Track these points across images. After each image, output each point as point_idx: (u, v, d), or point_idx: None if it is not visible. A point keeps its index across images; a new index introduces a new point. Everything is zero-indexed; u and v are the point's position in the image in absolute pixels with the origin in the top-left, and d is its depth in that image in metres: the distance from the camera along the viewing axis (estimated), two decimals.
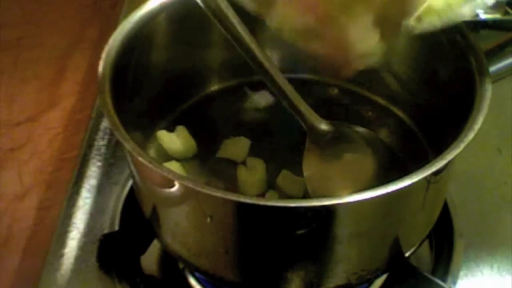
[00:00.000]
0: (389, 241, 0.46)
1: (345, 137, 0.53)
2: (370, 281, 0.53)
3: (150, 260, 0.57)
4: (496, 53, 0.52)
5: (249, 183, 0.54)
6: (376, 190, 0.40)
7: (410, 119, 0.60)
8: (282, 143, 0.58)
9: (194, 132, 0.57)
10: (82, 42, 0.82)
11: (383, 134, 0.60)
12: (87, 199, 0.61)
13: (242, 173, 0.54)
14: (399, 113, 0.60)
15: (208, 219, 0.43)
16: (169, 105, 0.60)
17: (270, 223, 0.42)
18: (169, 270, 0.56)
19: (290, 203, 0.40)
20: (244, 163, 0.56)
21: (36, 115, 0.74)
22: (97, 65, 0.48)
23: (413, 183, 0.41)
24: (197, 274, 0.55)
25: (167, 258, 0.57)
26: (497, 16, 0.74)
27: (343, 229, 0.43)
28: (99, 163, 0.64)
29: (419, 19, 0.46)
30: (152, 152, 0.57)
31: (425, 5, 0.46)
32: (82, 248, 0.57)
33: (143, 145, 0.56)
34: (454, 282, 0.54)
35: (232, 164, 0.56)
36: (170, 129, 0.57)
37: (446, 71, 0.53)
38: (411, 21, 0.46)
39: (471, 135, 0.43)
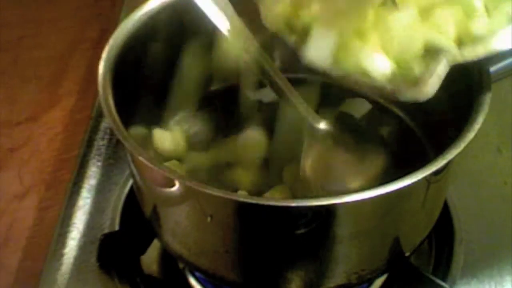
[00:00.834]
0: (389, 241, 0.46)
1: (346, 136, 0.53)
2: (370, 281, 0.53)
3: (150, 260, 0.57)
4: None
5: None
6: (376, 190, 0.40)
7: (410, 119, 0.60)
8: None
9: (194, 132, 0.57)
10: (82, 42, 0.82)
11: (383, 134, 0.60)
12: (87, 199, 0.61)
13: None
14: (399, 113, 0.60)
15: (209, 219, 0.43)
16: (170, 105, 0.60)
17: (270, 222, 0.42)
18: (169, 270, 0.56)
19: (290, 203, 0.40)
20: None
21: (36, 115, 0.74)
22: (97, 65, 0.48)
23: (413, 183, 0.41)
24: (197, 273, 0.55)
25: (167, 258, 0.57)
26: None
27: (343, 229, 0.43)
28: (99, 163, 0.64)
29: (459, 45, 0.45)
30: (152, 152, 0.57)
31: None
32: (82, 248, 0.57)
33: (143, 145, 0.56)
34: (454, 282, 0.54)
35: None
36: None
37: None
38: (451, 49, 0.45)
39: (471, 135, 0.43)
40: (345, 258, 0.45)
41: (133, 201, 0.56)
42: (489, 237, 0.57)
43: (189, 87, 0.59)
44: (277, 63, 0.62)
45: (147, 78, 0.55)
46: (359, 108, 0.60)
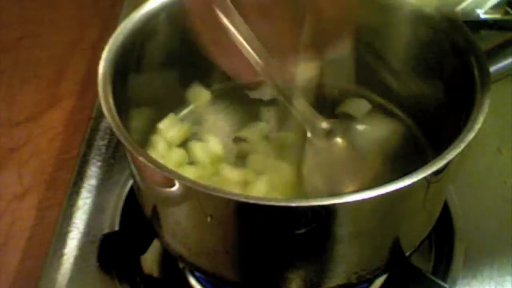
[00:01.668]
0: (389, 241, 0.46)
1: (346, 135, 0.53)
2: (370, 281, 0.53)
3: (150, 260, 0.57)
4: (496, 53, 0.52)
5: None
6: (376, 190, 0.40)
7: (410, 119, 0.60)
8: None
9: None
10: (82, 42, 0.82)
11: (383, 133, 0.60)
12: (87, 199, 0.61)
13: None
14: (399, 113, 0.60)
15: (209, 219, 0.43)
16: (169, 105, 0.60)
17: (271, 222, 0.42)
18: (169, 270, 0.56)
19: (290, 203, 0.40)
20: None
21: (36, 115, 0.74)
22: (97, 65, 0.48)
23: (413, 183, 0.41)
24: (197, 273, 0.55)
25: (167, 258, 0.57)
26: (497, 16, 0.74)
27: (343, 229, 0.43)
28: (99, 163, 0.64)
29: None
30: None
31: None
32: (82, 248, 0.57)
33: (143, 145, 0.56)
34: (454, 282, 0.54)
35: None
36: None
37: (447, 71, 0.53)
38: None
39: (471, 135, 0.43)
40: (345, 258, 0.45)
41: (133, 201, 0.56)
42: (489, 237, 0.57)
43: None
44: None
45: (147, 78, 0.55)
46: (359, 108, 0.60)
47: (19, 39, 0.83)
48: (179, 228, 0.47)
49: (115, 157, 0.65)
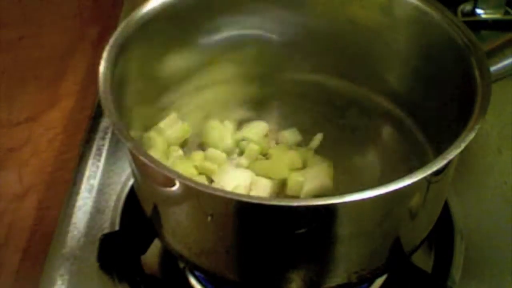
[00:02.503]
0: (389, 240, 0.46)
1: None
2: (371, 281, 0.53)
3: (150, 259, 0.57)
4: (496, 53, 0.52)
5: None
6: (376, 190, 0.40)
7: (410, 119, 0.60)
8: None
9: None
10: (82, 42, 0.82)
11: (383, 134, 0.60)
12: (87, 199, 0.61)
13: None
14: (399, 113, 0.60)
15: (209, 218, 0.43)
16: (169, 105, 0.60)
17: (271, 222, 0.42)
18: (170, 270, 0.56)
19: (290, 202, 0.40)
20: None
21: (36, 115, 0.74)
22: (97, 65, 0.48)
23: (413, 183, 0.41)
24: (197, 273, 0.55)
25: (168, 257, 0.57)
26: (497, 16, 0.74)
27: (343, 229, 0.43)
28: (99, 163, 0.64)
29: None
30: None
31: None
32: (82, 248, 0.57)
33: (143, 144, 0.56)
34: (454, 282, 0.54)
35: None
36: None
37: (447, 71, 0.53)
38: None
39: (471, 135, 0.43)
40: (346, 258, 0.45)
41: (133, 201, 0.56)
42: (489, 237, 0.57)
43: None
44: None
45: (147, 78, 0.55)
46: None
47: (19, 39, 0.83)
48: (179, 228, 0.47)
49: (115, 157, 0.65)
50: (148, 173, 0.46)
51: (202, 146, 0.61)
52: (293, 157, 0.59)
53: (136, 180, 0.51)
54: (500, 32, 0.72)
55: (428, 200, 0.46)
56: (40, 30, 0.84)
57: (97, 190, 0.62)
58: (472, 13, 0.74)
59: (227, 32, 0.59)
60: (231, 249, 0.46)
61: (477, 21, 0.73)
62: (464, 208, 0.58)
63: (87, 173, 0.63)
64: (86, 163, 0.64)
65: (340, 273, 0.46)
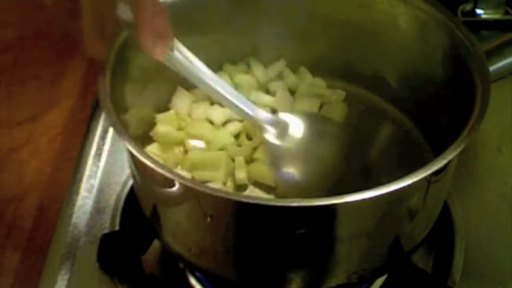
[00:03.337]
0: (389, 240, 0.46)
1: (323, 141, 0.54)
2: (371, 281, 0.53)
3: (150, 259, 0.57)
4: (496, 53, 0.52)
5: None
6: (376, 190, 0.40)
7: (410, 119, 0.60)
8: None
9: None
10: (82, 42, 0.82)
11: (383, 133, 0.60)
12: (87, 199, 0.61)
13: None
14: (399, 113, 0.60)
15: (209, 219, 0.43)
16: (169, 104, 0.60)
17: (271, 222, 0.42)
18: (170, 270, 0.56)
19: (290, 202, 0.40)
20: None
21: (36, 115, 0.74)
22: (97, 65, 0.48)
23: (413, 183, 0.41)
24: (197, 273, 0.55)
25: (168, 258, 0.57)
26: (497, 16, 0.74)
27: (343, 229, 0.43)
28: (99, 163, 0.64)
29: None
30: None
31: None
32: (82, 248, 0.57)
33: (143, 144, 0.56)
34: (454, 282, 0.54)
35: None
36: None
37: (447, 71, 0.53)
38: None
39: (471, 135, 0.43)
40: (346, 258, 0.45)
41: (133, 201, 0.56)
42: (489, 237, 0.57)
43: None
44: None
45: (147, 77, 0.55)
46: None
47: (19, 39, 0.83)
48: (179, 228, 0.47)
49: (115, 157, 0.65)
50: (147, 174, 0.46)
51: None
52: None
53: (135, 181, 0.51)
54: (500, 32, 0.72)
55: (428, 200, 0.46)
56: (40, 30, 0.84)
57: (97, 190, 0.62)
58: (472, 13, 0.74)
59: (225, 33, 0.59)
60: (230, 250, 0.46)
61: (477, 21, 0.73)
62: (464, 208, 0.58)
63: (87, 173, 0.63)
64: (86, 163, 0.64)
65: (340, 273, 0.46)
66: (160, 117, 0.58)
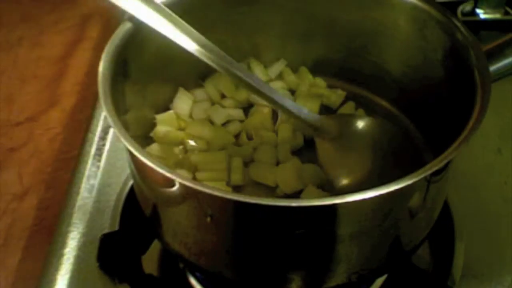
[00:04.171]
0: (389, 240, 0.46)
1: (351, 128, 0.54)
2: (371, 281, 0.53)
3: (150, 260, 0.57)
4: (496, 53, 0.52)
5: None
6: (376, 190, 0.40)
7: (409, 119, 0.60)
8: None
9: None
10: (82, 42, 0.82)
11: (383, 133, 0.60)
12: (87, 199, 0.61)
13: None
14: (399, 113, 0.61)
15: (209, 219, 0.43)
16: (169, 104, 0.60)
17: (271, 222, 0.42)
18: (169, 270, 0.56)
19: (291, 202, 0.40)
20: None
21: (36, 115, 0.74)
22: (97, 65, 0.48)
23: (413, 183, 0.41)
24: (197, 273, 0.55)
25: (167, 258, 0.57)
26: (497, 16, 0.74)
27: (343, 229, 0.43)
28: (99, 163, 0.64)
29: None
30: None
31: None
32: (82, 248, 0.57)
33: (143, 145, 0.56)
34: (454, 282, 0.54)
35: None
36: None
37: (447, 71, 0.53)
38: None
39: (471, 135, 0.43)
40: (346, 258, 0.45)
41: (133, 201, 0.56)
42: (489, 237, 0.57)
43: None
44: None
45: (147, 77, 0.55)
46: (335, 99, 0.61)
47: (19, 39, 0.83)
48: (179, 228, 0.47)
49: (115, 157, 0.65)
50: (147, 174, 0.46)
51: None
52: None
53: (135, 181, 0.51)
54: (500, 32, 0.72)
55: (428, 200, 0.46)
56: (40, 30, 0.84)
57: (97, 190, 0.62)
58: (472, 13, 0.74)
59: (225, 33, 0.59)
60: (230, 250, 0.46)
61: (477, 21, 0.73)
62: (464, 208, 0.58)
63: (87, 173, 0.63)
64: (86, 163, 0.64)
65: (340, 273, 0.46)
66: (160, 117, 0.58)
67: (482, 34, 0.72)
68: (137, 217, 0.53)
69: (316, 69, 0.63)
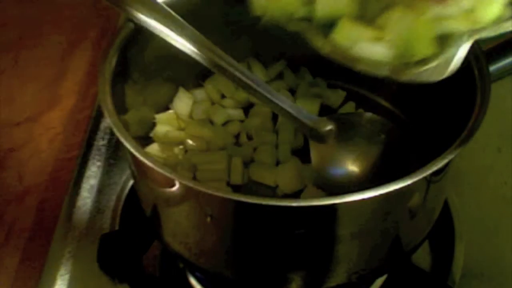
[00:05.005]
0: (389, 240, 0.46)
1: (348, 129, 0.54)
2: (371, 281, 0.53)
3: (150, 259, 0.57)
4: (496, 53, 0.52)
5: None
6: (376, 190, 0.40)
7: (409, 119, 0.60)
8: None
9: None
10: (82, 42, 0.82)
11: (382, 133, 0.60)
12: (87, 199, 0.61)
13: None
14: (399, 113, 0.61)
15: (209, 219, 0.43)
16: (169, 104, 0.60)
17: (271, 222, 0.42)
18: (169, 270, 0.56)
19: (290, 202, 0.40)
20: None
21: (36, 115, 0.74)
22: (97, 65, 0.48)
23: (413, 183, 0.41)
24: (197, 273, 0.55)
25: (167, 258, 0.57)
26: None
27: (343, 229, 0.43)
28: (99, 163, 0.64)
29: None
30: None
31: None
32: (82, 248, 0.57)
33: (143, 145, 0.56)
34: (454, 282, 0.54)
35: None
36: None
37: None
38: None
39: (471, 135, 0.43)
40: (346, 258, 0.45)
41: (133, 201, 0.56)
42: (489, 237, 0.57)
43: None
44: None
45: (147, 77, 0.55)
46: (335, 99, 0.61)
47: (19, 39, 0.83)
48: (179, 228, 0.47)
49: (115, 157, 0.65)
50: (147, 174, 0.46)
51: None
52: None
53: (135, 181, 0.51)
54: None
55: (428, 200, 0.46)
56: (40, 30, 0.84)
57: (97, 190, 0.62)
58: None
59: (225, 33, 0.59)
60: (230, 250, 0.46)
61: None
62: (464, 208, 0.58)
63: (87, 173, 0.63)
64: (86, 163, 0.64)
65: (340, 273, 0.46)
66: (160, 117, 0.58)
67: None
68: (137, 217, 0.53)
69: (316, 69, 0.63)
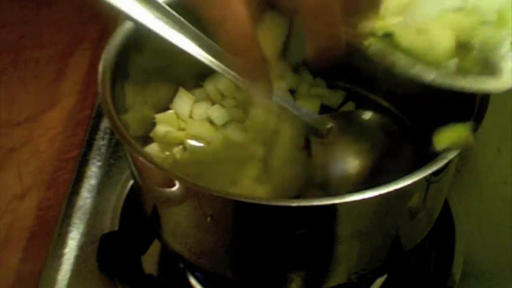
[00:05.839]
0: (389, 240, 0.46)
1: (349, 127, 0.54)
2: (371, 281, 0.53)
3: (150, 260, 0.57)
4: None
5: None
6: (376, 190, 0.40)
7: (410, 119, 0.60)
8: None
9: None
10: (82, 42, 0.82)
11: (382, 133, 0.60)
12: (87, 199, 0.61)
13: None
14: (398, 113, 0.60)
15: (209, 219, 0.43)
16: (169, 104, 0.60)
17: (271, 222, 0.42)
18: (169, 270, 0.56)
19: (290, 203, 0.40)
20: None
21: (36, 115, 0.74)
22: (97, 65, 0.48)
23: (413, 183, 0.41)
24: (197, 273, 0.55)
25: (167, 258, 0.57)
26: None
27: (343, 229, 0.43)
28: (99, 163, 0.64)
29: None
30: None
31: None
32: (82, 248, 0.57)
33: (143, 145, 0.56)
34: (454, 282, 0.54)
35: None
36: None
37: None
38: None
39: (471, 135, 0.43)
40: (346, 258, 0.45)
41: (133, 201, 0.56)
42: (489, 237, 0.57)
43: None
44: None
45: (147, 78, 0.55)
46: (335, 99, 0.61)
47: (19, 39, 0.83)
48: (179, 228, 0.47)
49: (115, 157, 0.65)
50: (147, 174, 0.46)
51: None
52: None
53: (135, 181, 0.51)
54: None
55: (428, 200, 0.46)
56: (40, 30, 0.84)
57: (97, 190, 0.62)
58: None
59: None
60: (230, 250, 0.46)
61: None
62: (464, 208, 0.58)
63: (87, 173, 0.63)
64: (86, 163, 0.64)
65: (340, 273, 0.46)
66: (160, 117, 0.58)
67: None
68: (137, 217, 0.53)
69: (316, 69, 0.63)
